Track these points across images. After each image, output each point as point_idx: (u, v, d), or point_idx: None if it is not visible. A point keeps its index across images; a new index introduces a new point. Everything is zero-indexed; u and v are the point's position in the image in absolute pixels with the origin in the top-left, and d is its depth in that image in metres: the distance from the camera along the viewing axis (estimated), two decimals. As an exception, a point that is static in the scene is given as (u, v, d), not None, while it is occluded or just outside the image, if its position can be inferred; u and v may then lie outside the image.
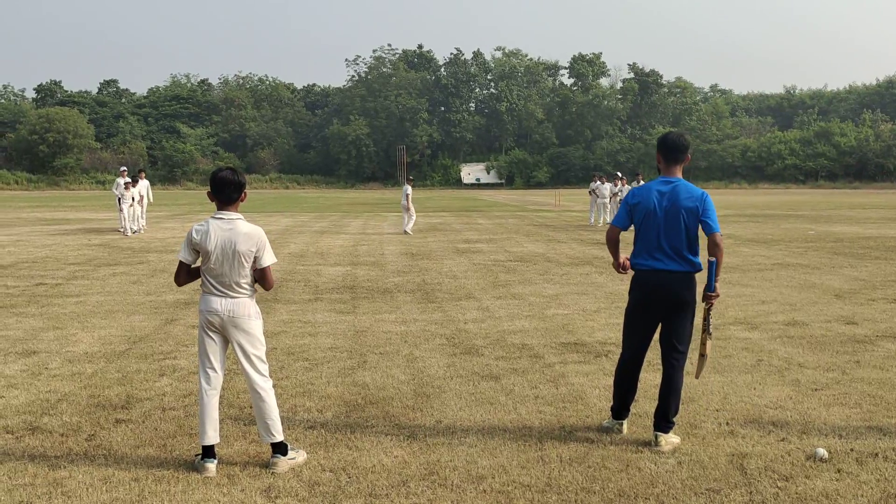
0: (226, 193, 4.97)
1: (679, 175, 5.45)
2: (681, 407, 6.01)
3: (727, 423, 5.69)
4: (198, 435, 5.07)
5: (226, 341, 5.04)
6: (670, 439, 5.27)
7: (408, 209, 25.14)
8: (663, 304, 5.34)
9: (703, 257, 5.28)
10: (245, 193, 5.08)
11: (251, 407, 5.37)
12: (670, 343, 5.39)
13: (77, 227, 26.94)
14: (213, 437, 4.94)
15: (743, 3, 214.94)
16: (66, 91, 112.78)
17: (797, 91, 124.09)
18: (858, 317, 9.89)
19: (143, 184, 25.71)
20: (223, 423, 5.48)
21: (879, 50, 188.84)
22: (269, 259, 5.01)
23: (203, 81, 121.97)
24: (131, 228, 23.49)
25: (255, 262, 4.98)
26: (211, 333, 5.00)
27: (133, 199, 23.94)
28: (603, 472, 4.80)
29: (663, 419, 5.31)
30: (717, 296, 5.37)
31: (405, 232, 24.54)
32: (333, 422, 5.79)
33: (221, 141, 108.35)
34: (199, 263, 5.09)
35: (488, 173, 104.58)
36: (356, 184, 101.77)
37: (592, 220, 29.20)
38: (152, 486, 4.62)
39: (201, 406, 4.98)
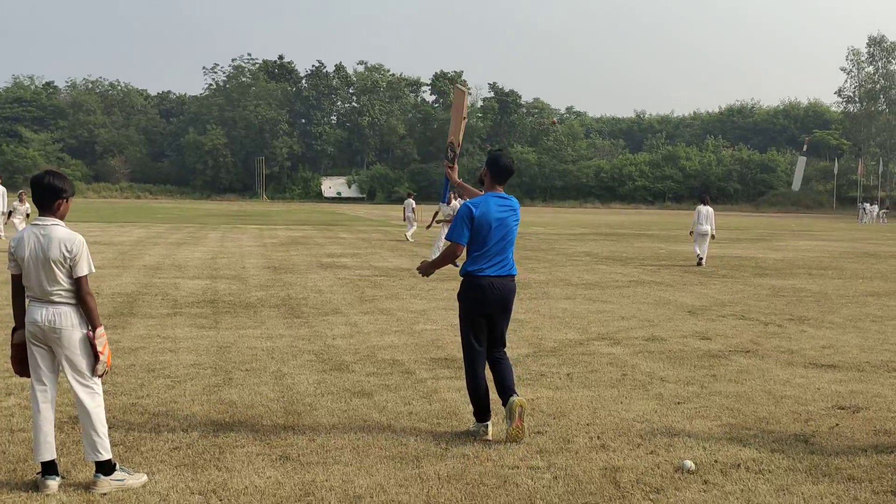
0: (39, 198, 4.72)
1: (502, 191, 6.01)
2: (553, 422, 6.11)
3: (598, 437, 5.79)
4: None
5: (53, 353, 4.76)
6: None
7: (410, 219, 28.61)
8: (497, 307, 5.84)
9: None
10: (63, 201, 4.74)
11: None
12: (499, 341, 5.96)
13: None
14: (48, 453, 4.66)
15: (599, 26, 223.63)
16: None
17: (646, 115, 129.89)
18: (711, 332, 10.36)
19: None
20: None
21: (722, 79, 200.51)
22: (84, 268, 4.70)
23: (49, 84, 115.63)
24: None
25: (70, 270, 4.67)
26: (37, 345, 4.73)
27: None
28: (481, 489, 4.78)
29: (512, 391, 5.81)
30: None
31: (407, 238, 27.86)
32: (200, 441, 5.53)
33: (68, 147, 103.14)
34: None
35: (349, 187, 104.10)
36: (213, 195, 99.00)
37: None
38: (1, 517, 4.27)
39: (34, 422, 4.72)
